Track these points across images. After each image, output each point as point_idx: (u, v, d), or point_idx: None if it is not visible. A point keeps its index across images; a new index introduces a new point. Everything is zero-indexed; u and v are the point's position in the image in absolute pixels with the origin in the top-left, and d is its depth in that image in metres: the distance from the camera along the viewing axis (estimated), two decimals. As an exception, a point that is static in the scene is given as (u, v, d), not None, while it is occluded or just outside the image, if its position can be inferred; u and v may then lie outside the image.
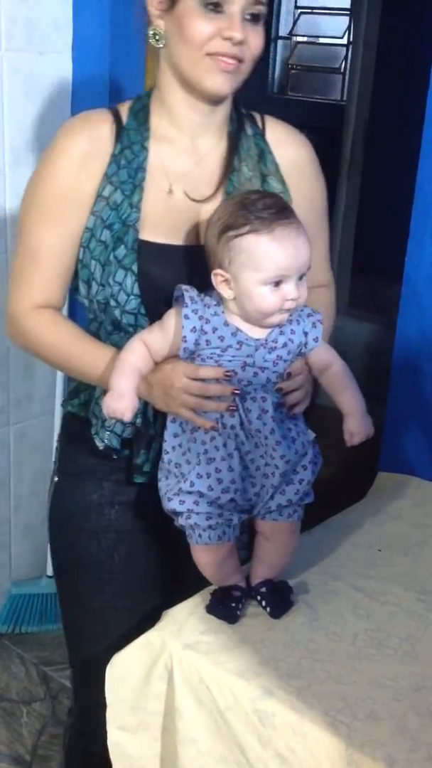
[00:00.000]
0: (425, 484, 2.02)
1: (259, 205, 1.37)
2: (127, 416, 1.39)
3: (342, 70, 5.98)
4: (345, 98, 5.30)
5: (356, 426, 1.48)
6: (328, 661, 1.41)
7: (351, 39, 5.59)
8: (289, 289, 1.36)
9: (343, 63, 5.97)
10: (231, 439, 1.41)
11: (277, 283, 1.36)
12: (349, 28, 5.79)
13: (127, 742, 1.50)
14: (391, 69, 4.77)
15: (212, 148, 1.55)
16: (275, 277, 1.35)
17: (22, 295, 1.54)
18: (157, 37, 1.48)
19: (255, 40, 1.44)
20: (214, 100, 1.51)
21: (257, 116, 1.61)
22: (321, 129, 2.34)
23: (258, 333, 1.40)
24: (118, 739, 1.51)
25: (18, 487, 2.78)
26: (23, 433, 2.73)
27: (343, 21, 5.92)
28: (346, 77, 5.71)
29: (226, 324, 1.40)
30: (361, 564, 1.67)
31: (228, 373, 1.39)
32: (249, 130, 1.58)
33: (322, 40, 6.27)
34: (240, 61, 1.44)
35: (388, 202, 3.89)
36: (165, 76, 1.51)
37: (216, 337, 1.39)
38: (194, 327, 1.39)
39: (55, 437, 2.71)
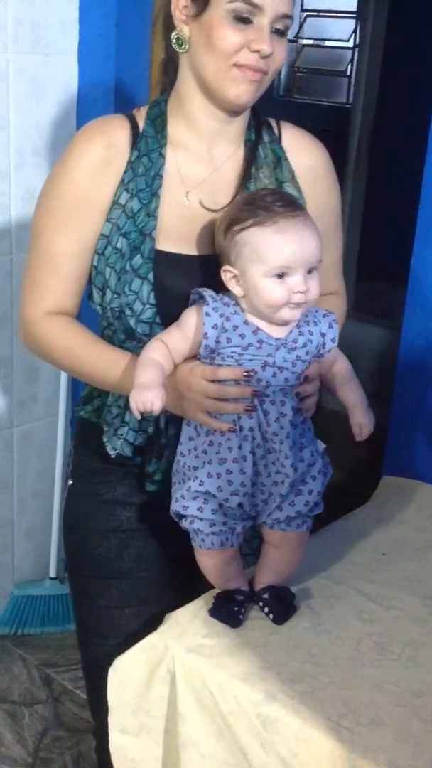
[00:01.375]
0: (430, 489, 2.01)
1: (266, 199, 1.37)
2: (157, 405, 1.33)
3: (348, 73, 5.98)
4: (351, 101, 5.30)
5: (363, 417, 1.47)
6: (332, 665, 1.40)
7: (357, 42, 5.60)
8: (296, 281, 1.35)
9: (349, 66, 5.97)
10: (247, 442, 1.39)
11: (283, 276, 1.35)
12: (355, 31, 5.80)
13: (128, 746, 1.50)
14: (398, 72, 4.76)
15: (229, 156, 1.55)
16: (279, 268, 1.35)
17: (37, 300, 1.54)
18: (180, 42, 1.47)
19: (279, 53, 1.44)
20: (235, 110, 1.50)
21: (273, 122, 1.61)
22: (327, 132, 2.33)
23: (278, 332, 1.39)
24: (119, 742, 1.51)
25: (21, 489, 2.78)
26: (27, 435, 2.73)
27: (350, 24, 5.92)
28: (352, 80, 5.71)
29: (246, 323, 1.39)
30: (365, 568, 1.66)
31: (248, 374, 1.38)
32: (266, 137, 1.58)
33: (328, 43, 6.27)
34: (264, 73, 1.44)
35: (394, 206, 3.88)
36: (185, 81, 1.50)
37: (237, 335, 1.38)
38: (215, 324, 1.38)
39: (59, 440, 2.74)
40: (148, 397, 1.34)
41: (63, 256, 1.51)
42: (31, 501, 2.81)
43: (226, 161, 1.55)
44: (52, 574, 2.85)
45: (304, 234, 1.36)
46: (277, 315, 1.37)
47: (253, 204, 1.37)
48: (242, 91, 1.44)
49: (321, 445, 1.46)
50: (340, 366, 1.50)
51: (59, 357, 1.56)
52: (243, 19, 1.39)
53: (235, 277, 1.38)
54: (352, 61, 5.89)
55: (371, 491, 2.03)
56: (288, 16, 1.42)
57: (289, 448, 1.40)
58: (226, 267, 1.39)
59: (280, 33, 1.43)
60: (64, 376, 2.70)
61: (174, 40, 1.48)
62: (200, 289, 1.41)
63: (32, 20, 2.39)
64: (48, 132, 2.51)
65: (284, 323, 1.39)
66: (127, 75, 2.45)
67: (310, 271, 1.37)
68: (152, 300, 1.47)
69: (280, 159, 1.58)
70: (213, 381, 1.39)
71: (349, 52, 5.98)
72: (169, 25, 1.49)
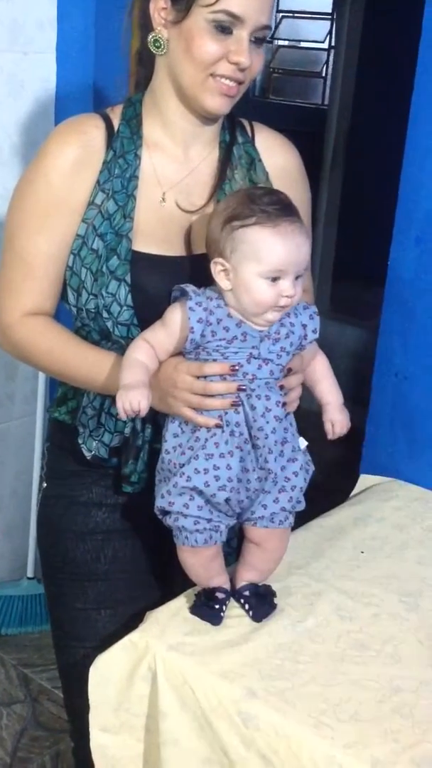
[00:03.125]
0: (406, 487, 2.03)
1: (264, 200, 1.37)
2: (144, 405, 1.34)
3: (323, 74, 6.01)
4: (326, 102, 5.32)
5: (337, 413, 1.50)
6: (312, 662, 1.41)
7: (332, 43, 5.62)
8: (286, 285, 1.36)
9: (325, 67, 5.99)
10: (234, 437, 1.40)
11: (275, 279, 1.36)
12: (330, 32, 5.82)
13: (109, 744, 1.50)
14: (373, 73, 4.79)
15: (204, 157, 1.56)
16: (275, 271, 1.35)
17: (13, 303, 1.53)
18: (158, 44, 1.47)
19: (257, 62, 1.45)
20: (211, 117, 1.51)
21: (246, 123, 1.61)
22: (302, 133, 2.35)
23: (261, 325, 1.40)
24: (100, 740, 1.50)
25: (-2, 488, 2.77)
26: (4, 434, 2.72)
27: (325, 25, 5.95)
28: (328, 81, 5.73)
29: (230, 316, 1.39)
30: (344, 566, 1.67)
31: (234, 368, 1.38)
32: (239, 138, 1.59)
33: (303, 44, 6.30)
34: (240, 83, 1.45)
35: (370, 206, 3.90)
36: (162, 84, 1.50)
37: (221, 328, 1.39)
38: (200, 318, 1.38)
39: (37, 439, 2.74)
40: (134, 398, 1.34)
41: (40, 257, 1.50)
42: (9, 500, 2.80)
43: (201, 163, 1.55)
44: (30, 574, 2.84)
45: (300, 241, 1.37)
46: (262, 316, 1.38)
47: (253, 202, 1.37)
48: (218, 104, 1.46)
49: (303, 442, 1.47)
50: (319, 362, 1.52)
51: (40, 359, 1.56)
52: (223, 29, 1.40)
53: (225, 270, 1.38)
54: (327, 62, 5.92)
55: (349, 490, 2.04)
56: (267, 27, 1.43)
57: (274, 443, 1.40)
58: (218, 260, 1.39)
59: (259, 42, 1.44)
60: (42, 375, 2.70)
61: (151, 42, 1.47)
62: (182, 285, 1.42)
63: (11, 18, 2.38)
64: (26, 130, 2.51)
65: (266, 324, 1.40)
66: (106, 73, 2.44)
67: (297, 277, 1.38)
68: (129, 302, 1.47)
69: (254, 160, 1.59)
70: (199, 377, 1.39)
71: (324, 53, 6.01)
72: (145, 22, 1.49)
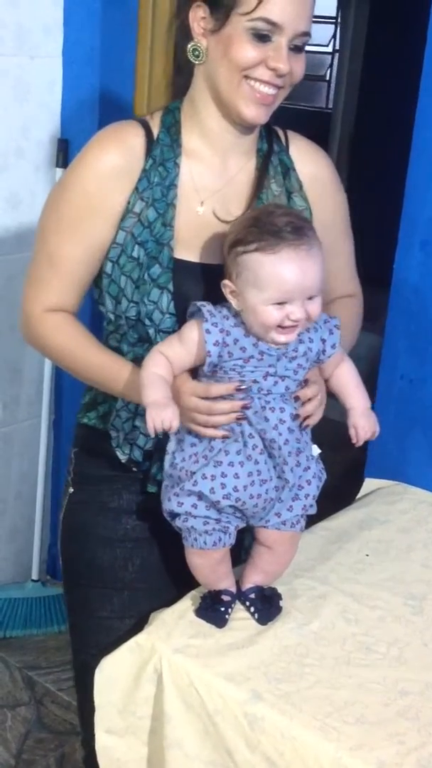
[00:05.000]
0: (412, 490, 2.03)
1: (274, 221, 1.35)
2: (175, 424, 1.33)
3: (327, 77, 6.01)
4: (330, 106, 5.33)
5: (360, 418, 1.47)
6: (317, 665, 1.41)
7: (336, 47, 5.63)
8: (293, 309, 1.34)
9: (329, 71, 6.00)
10: (246, 448, 1.40)
11: (282, 303, 1.35)
12: (334, 36, 5.83)
13: (114, 746, 1.50)
14: (377, 77, 4.79)
15: (242, 167, 1.55)
16: (278, 298, 1.34)
17: (35, 296, 1.54)
18: (196, 53, 1.46)
19: (298, 69, 1.44)
20: (248, 126, 1.50)
21: (280, 131, 1.61)
22: (306, 137, 2.34)
23: (274, 344, 1.39)
24: (105, 742, 1.51)
25: (3, 491, 2.78)
26: (9, 437, 2.73)
27: (329, 29, 5.95)
28: (332, 85, 5.74)
29: (246, 335, 1.38)
30: (349, 569, 1.68)
31: (240, 388, 1.38)
32: (275, 147, 1.58)
33: (307, 48, 6.30)
34: (280, 87, 1.44)
35: (375, 210, 3.90)
36: (200, 93, 1.50)
37: (238, 348, 1.38)
38: (217, 341, 1.37)
39: (42, 442, 2.75)
40: (166, 416, 1.33)
41: (68, 260, 1.51)
42: (14, 503, 2.81)
43: (238, 172, 1.55)
44: (35, 576, 2.84)
45: (306, 265, 1.34)
46: (269, 336, 1.36)
47: (258, 225, 1.36)
48: (254, 113, 1.45)
49: (316, 450, 1.47)
50: (344, 368, 1.50)
51: (53, 354, 1.57)
52: (262, 37, 1.39)
53: (233, 292, 1.38)
54: (331, 66, 5.92)
55: (354, 494, 2.04)
56: (307, 34, 1.42)
57: (288, 454, 1.40)
58: (226, 282, 1.39)
59: (298, 49, 1.43)
60: (47, 378, 2.71)
61: (190, 51, 1.47)
62: (198, 303, 1.41)
63: (17, 22, 2.39)
64: (32, 135, 2.52)
65: (278, 345, 1.38)
66: (112, 77, 2.45)
67: (310, 297, 1.36)
68: (172, 309, 1.47)
69: (288, 169, 1.58)
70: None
71: (328, 57, 6.02)
72: (185, 32, 1.48)
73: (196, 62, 1.48)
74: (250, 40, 1.40)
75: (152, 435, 1.35)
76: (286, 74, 1.42)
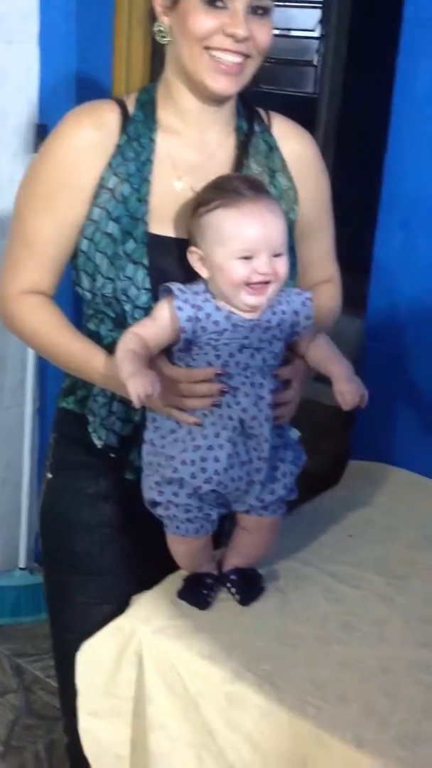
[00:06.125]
0: (395, 471, 2.03)
1: (233, 182, 1.38)
2: (157, 387, 1.29)
3: (314, 62, 5.99)
4: (317, 91, 5.31)
5: (345, 384, 1.43)
6: (298, 644, 1.41)
7: (323, 32, 5.60)
8: (260, 263, 1.34)
9: (316, 56, 5.97)
10: (226, 430, 1.39)
11: (248, 258, 1.34)
12: (321, 20, 5.80)
13: (97, 728, 1.50)
14: (363, 62, 4.78)
15: (221, 143, 1.54)
16: (243, 250, 1.34)
17: (11, 278, 1.53)
18: (162, 34, 1.46)
19: (261, 34, 1.42)
20: (219, 99, 1.50)
21: (263, 112, 1.60)
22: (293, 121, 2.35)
23: (251, 314, 1.39)
24: (88, 725, 1.51)
25: (-11, 479, 2.77)
26: (-6, 424, 2.72)
27: (315, 13, 5.92)
28: (319, 70, 5.71)
29: (218, 308, 1.38)
30: (332, 549, 1.68)
31: (220, 372, 1.37)
32: (256, 126, 1.58)
33: (294, 33, 6.27)
34: (246, 56, 1.42)
35: (359, 195, 3.89)
36: (171, 72, 1.50)
37: (211, 323, 1.37)
38: (189, 316, 1.36)
39: (26, 429, 2.74)
40: (147, 382, 1.30)
41: (42, 238, 1.50)
42: (0, 491, 2.80)
43: (218, 148, 1.54)
44: (22, 564, 2.84)
45: (268, 217, 1.36)
46: (239, 298, 1.36)
47: (219, 187, 1.38)
48: (221, 84, 1.44)
49: (296, 433, 1.47)
50: (320, 341, 1.49)
51: (27, 337, 1.56)
52: (213, 2, 1.39)
53: (201, 258, 1.38)
54: (318, 50, 5.90)
55: (339, 478, 2.04)
56: None
57: (270, 432, 1.40)
58: (192, 248, 1.39)
59: (261, 13, 1.42)
60: (31, 365, 2.69)
61: (156, 32, 1.47)
62: (167, 284, 1.40)
63: (-7, 8, 2.38)
64: (9, 121, 2.50)
65: (250, 309, 1.38)
66: (89, 63, 2.44)
67: (277, 255, 1.37)
68: (147, 285, 1.46)
69: (271, 148, 1.58)
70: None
71: (315, 42, 5.99)
72: (153, 15, 1.48)
73: (163, 42, 1.47)
74: (204, 9, 1.39)
75: (137, 406, 1.32)
76: (247, 39, 1.40)
